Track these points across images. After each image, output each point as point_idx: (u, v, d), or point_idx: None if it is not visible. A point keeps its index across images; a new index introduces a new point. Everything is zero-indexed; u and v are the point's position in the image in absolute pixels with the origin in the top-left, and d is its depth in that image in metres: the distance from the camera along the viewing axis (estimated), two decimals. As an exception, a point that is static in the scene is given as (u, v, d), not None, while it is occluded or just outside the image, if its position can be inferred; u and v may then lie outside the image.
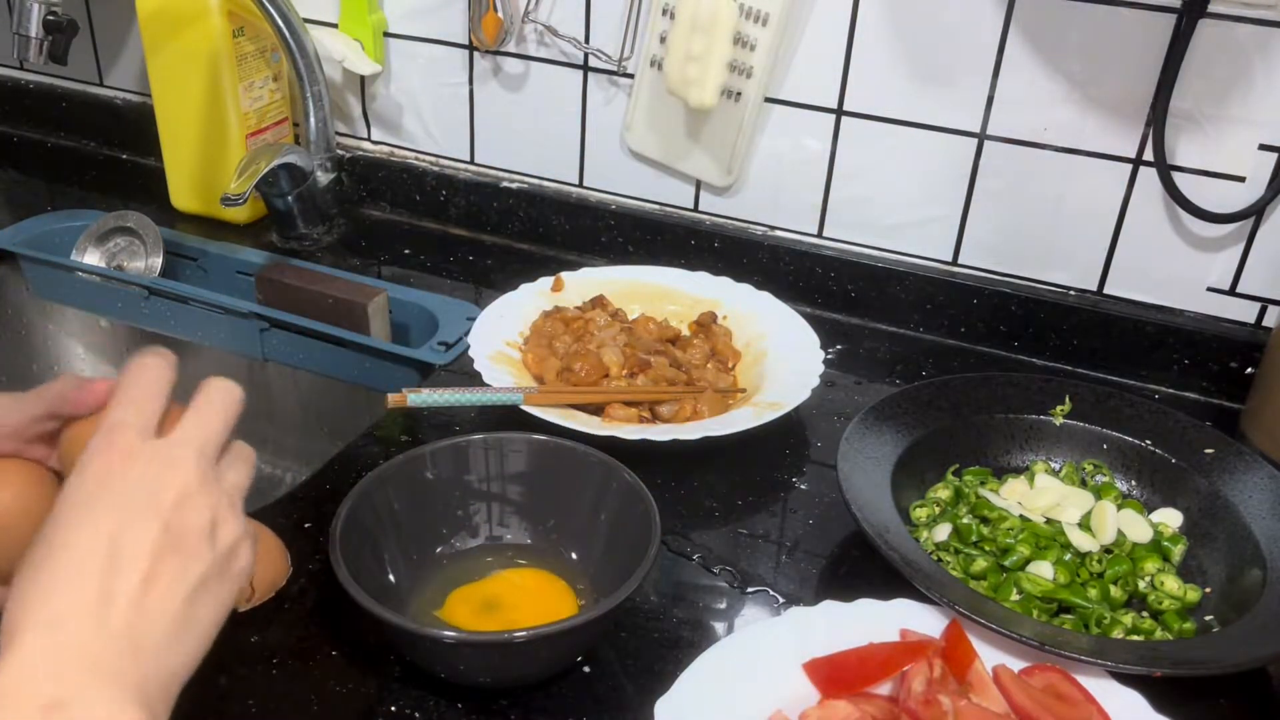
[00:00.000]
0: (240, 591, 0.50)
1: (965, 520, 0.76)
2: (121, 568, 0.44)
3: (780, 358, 0.94)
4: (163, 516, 0.46)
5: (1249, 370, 0.95)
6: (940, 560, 0.75)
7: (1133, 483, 0.83)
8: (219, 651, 0.64)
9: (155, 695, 0.43)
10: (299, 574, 0.70)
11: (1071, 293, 1.01)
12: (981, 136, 0.98)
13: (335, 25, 1.17)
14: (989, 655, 0.65)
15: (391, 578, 0.68)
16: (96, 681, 0.42)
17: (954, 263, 1.05)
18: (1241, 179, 0.91)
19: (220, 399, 0.51)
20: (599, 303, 0.99)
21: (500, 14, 1.09)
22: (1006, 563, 0.74)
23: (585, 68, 1.11)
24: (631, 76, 1.08)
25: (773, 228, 1.10)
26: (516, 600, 0.69)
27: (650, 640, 0.68)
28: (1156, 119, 0.90)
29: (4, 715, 0.40)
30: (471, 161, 1.21)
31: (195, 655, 0.47)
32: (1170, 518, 0.79)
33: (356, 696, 0.63)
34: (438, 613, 0.67)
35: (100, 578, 0.43)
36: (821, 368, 0.90)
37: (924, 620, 0.67)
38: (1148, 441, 0.83)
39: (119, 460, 0.47)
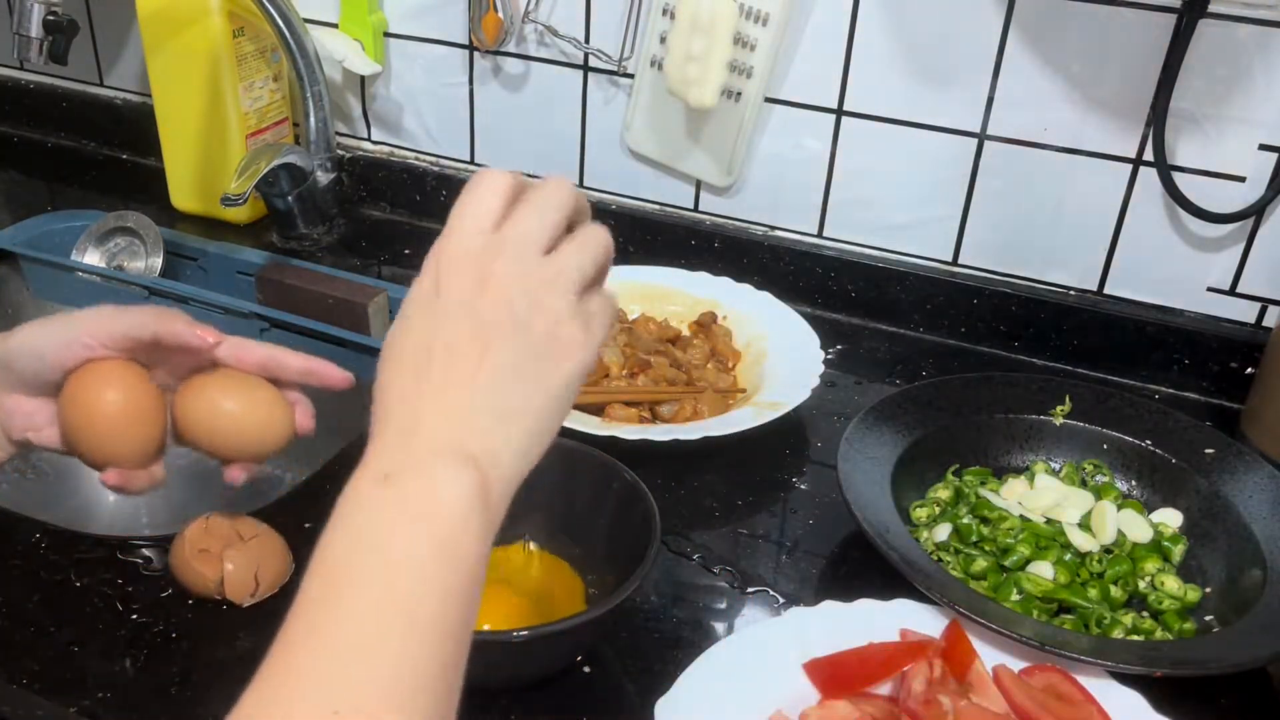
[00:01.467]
0: (583, 366, 0.50)
1: (965, 520, 0.76)
2: (441, 363, 0.47)
3: (780, 358, 0.94)
4: (476, 314, 0.48)
5: (1249, 370, 0.95)
6: (940, 560, 0.75)
7: (1133, 483, 0.83)
8: (219, 651, 0.64)
9: (486, 463, 0.46)
10: (300, 573, 0.70)
11: (1071, 293, 1.01)
12: (981, 136, 0.98)
13: (335, 25, 1.17)
14: (989, 655, 0.65)
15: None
16: (423, 457, 0.45)
17: (954, 263, 1.05)
18: (1241, 179, 0.91)
19: (551, 196, 0.52)
20: (599, 303, 0.99)
21: (500, 14, 1.09)
22: (1006, 563, 0.74)
23: (585, 68, 1.11)
24: (631, 76, 1.08)
25: (773, 228, 1.10)
26: (523, 582, 0.69)
27: (650, 640, 0.68)
28: (1156, 119, 0.90)
29: (353, 487, 0.44)
30: (471, 161, 1.21)
31: (530, 431, 0.48)
32: (1170, 518, 0.79)
33: (356, 696, 0.63)
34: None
35: (426, 374, 0.47)
36: (821, 368, 0.90)
37: (924, 620, 0.67)
38: (1148, 441, 0.83)
39: (445, 265, 0.49)
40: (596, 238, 0.52)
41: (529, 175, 1.25)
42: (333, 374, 0.66)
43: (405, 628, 0.41)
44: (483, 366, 0.47)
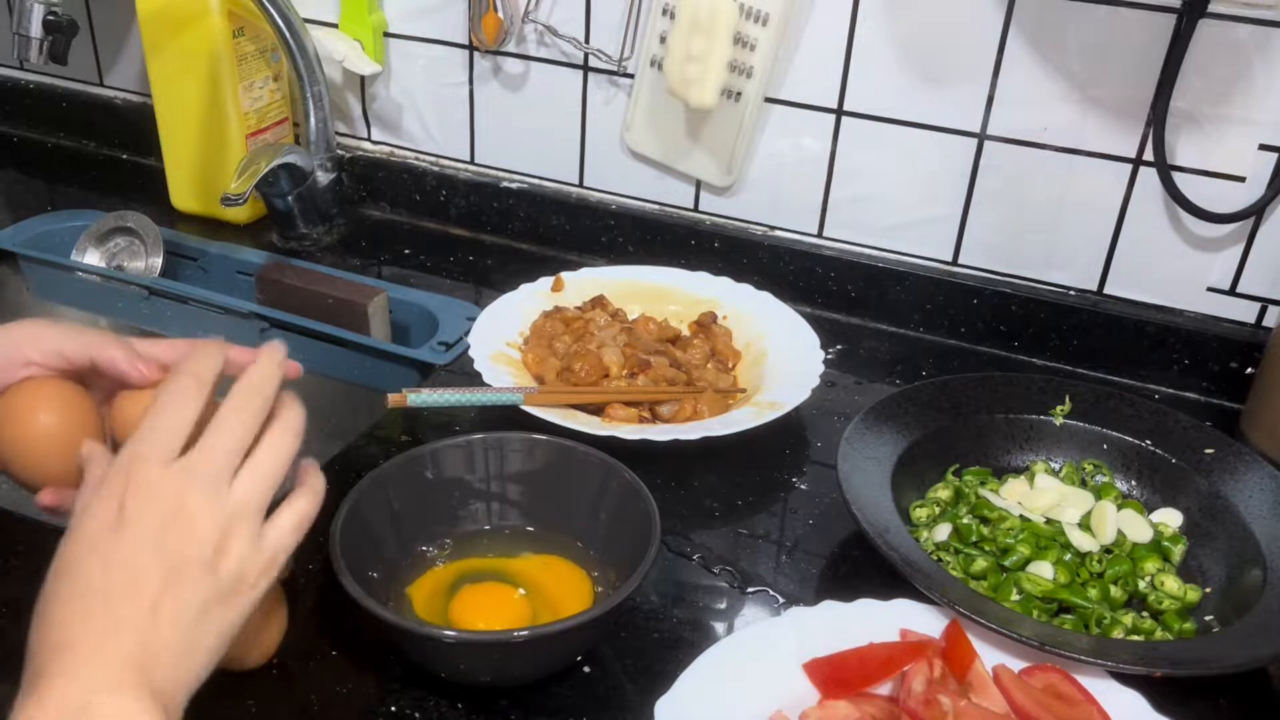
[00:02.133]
0: (254, 602, 0.52)
1: (965, 520, 0.76)
2: (127, 598, 0.48)
3: (780, 358, 0.94)
4: (165, 553, 0.49)
5: (1249, 370, 0.95)
6: (940, 560, 0.75)
7: (1133, 483, 0.83)
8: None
9: (169, 700, 0.48)
10: (299, 574, 0.70)
11: (1071, 293, 1.01)
12: (981, 136, 0.98)
13: (335, 25, 1.17)
14: (989, 655, 0.65)
15: (392, 577, 0.68)
16: (113, 689, 0.46)
17: (954, 263, 1.05)
18: (1241, 179, 0.91)
19: (241, 411, 0.53)
20: (599, 303, 0.99)
21: (500, 14, 1.09)
22: (1006, 563, 0.74)
23: (585, 68, 1.11)
24: (631, 76, 1.08)
25: (773, 228, 1.10)
26: (535, 584, 0.69)
27: (650, 640, 0.68)
28: (1156, 119, 0.90)
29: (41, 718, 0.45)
30: (471, 161, 1.21)
31: (206, 666, 0.50)
32: (1170, 518, 0.79)
33: (356, 696, 0.63)
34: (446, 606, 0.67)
35: (111, 606, 0.48)
36: (821, 368, 0.90)
37: (924, 620, 0.67)
38: (1148, 441, 0.83)
39: (132, 494, 0.50)
40: (288, 430, 0.54)
41: (528, 176, 1.25)
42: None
43: None
44: (169, 607, 0.48)
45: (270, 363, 0.56)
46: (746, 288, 1.02)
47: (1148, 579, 0.74)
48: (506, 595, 0.68)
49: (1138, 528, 0.77)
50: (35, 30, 1.01)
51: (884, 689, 0.63)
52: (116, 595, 0.48)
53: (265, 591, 0.53)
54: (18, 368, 0.60)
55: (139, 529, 0.49)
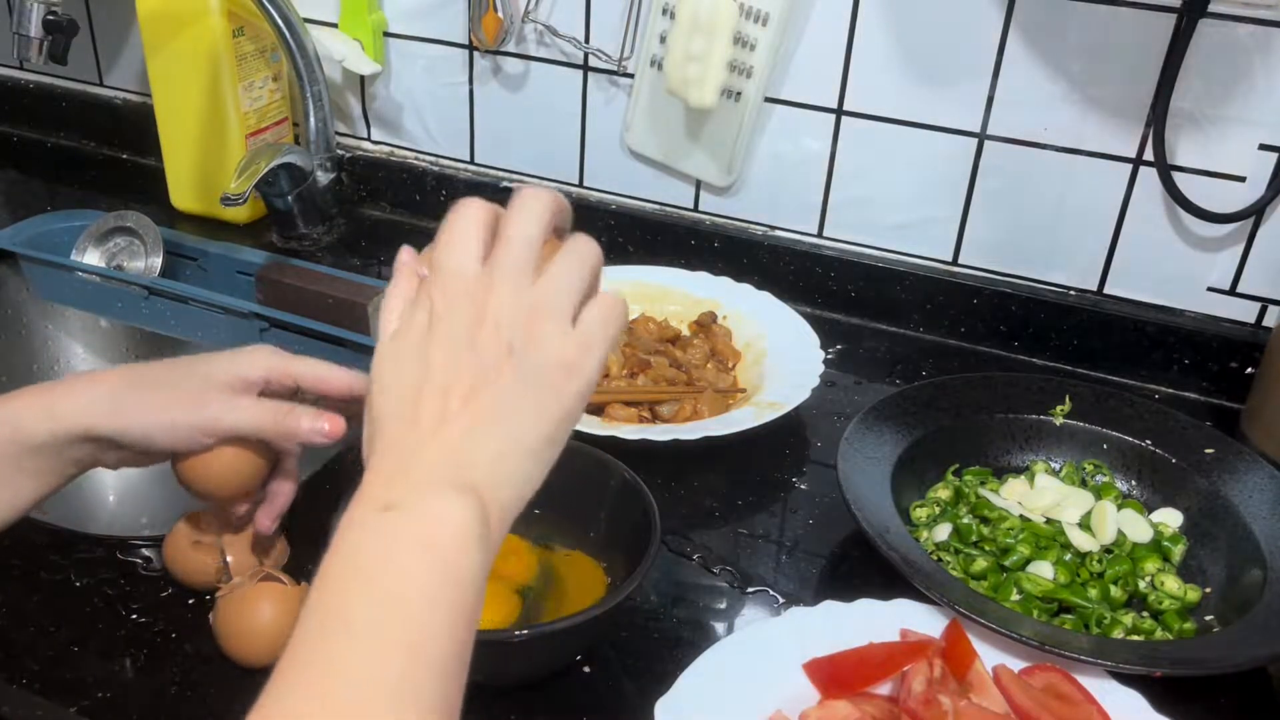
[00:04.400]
0: (581, 395, 0.50)
1: (965, 520, 0.76)
2: (441, 397, 0.48)
3: (780, 358, 0.94)
4: (475, 347, 0.48)
5: (1249, 370, 0.95)
6: (940, 560, 0.75)
7: (1133, 483, 0.82)
8: (218, 651, 0.64)
9: (487, 496, 0.46)
10: (299, 574, 0.70)
11: (1071, 293, 1.01)
12: (981, 136, 0.98)
13: (335, 25, 1.17)
14: (989, 655, 0.65)
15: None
16: (424, 487, 0.46)
17: (954, 263, 1.05)
18: (1241, 179, 0.91)
19: (531, 212, 0.52)
20: (599, 303, 0.99)
21: (500, 14, 1.09)
22: (1006, 563, 0.74)
23: (585, 68, 1.11)
24: (631, 76, 1.08)
25: (773, 228, 1.10)
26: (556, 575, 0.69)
27: (650, 640, 0.68)
28: (1156, 119, 0.90)
29: (354, 517, 0.45)
30: (471, 161, 1.21)
31: (530, 465, 0.49)
32: (1170, 518, 0.79)
33: (356, 696, 0.63)
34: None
35: (417, 408, 0.48)
36: (821, 368, 0.90)
37: (924, 620, 0.67)
38: (1148, 441, 0.83)
39: (439, 298, 0.50)
40: (584, 251, 0.52)
41: (528, 176, 1.25)
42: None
43: (409, 655, 0.42)
44: (481, 402, 0.47)
45: (538, 197, 0.54)
46: (746, 288, 1.02)
47: (1148, 579, 0.74)
48: (515, 545, 0.69)
49: (1138, 528, 0.77)
50: (35, 30, 1.01)
51: (884, 689, 0.63)
52: (431, 396, 0.48)
53: (591, 382, 0.51)
54: (194, 438, 0.62)
55: (450, 327, 0.49)
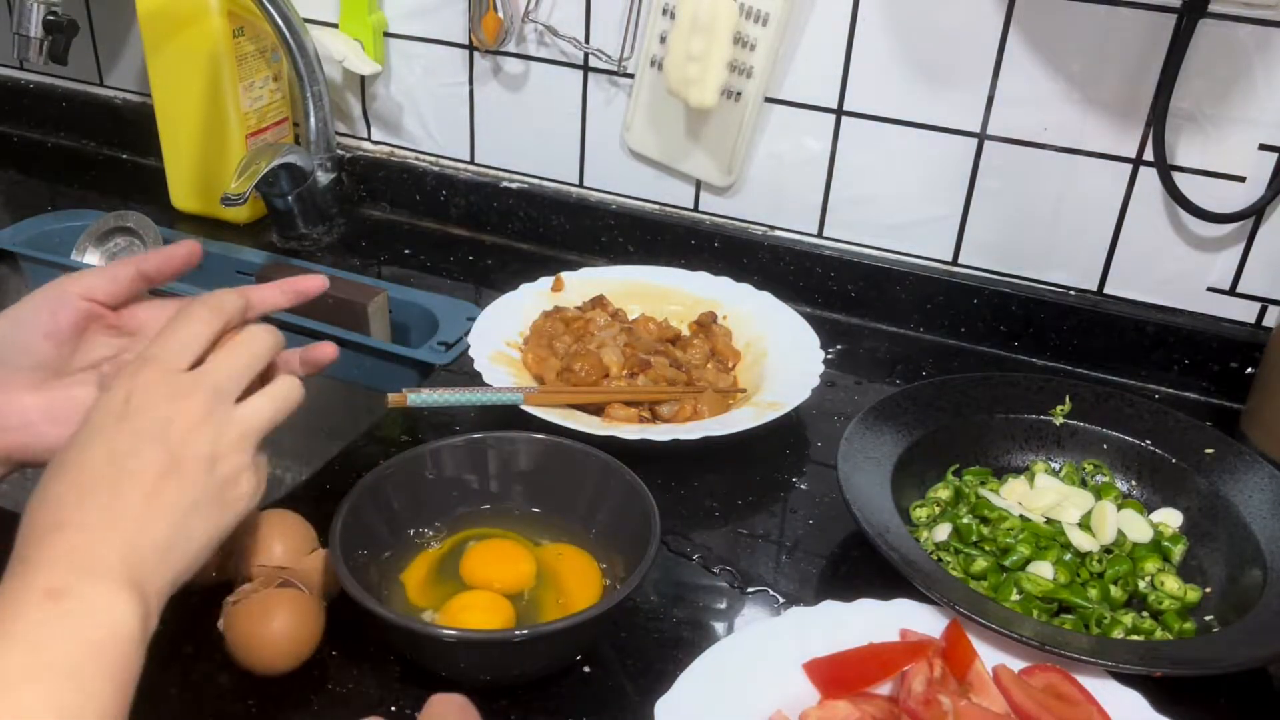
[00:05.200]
0: (240, 516, 0.54)
1: (965, 520, 0.76)
2: (125, 484, 0.49)
3: (780, 358, 0.94)
4: (168, 444, 0.51)
5: (1249, 370, 0.95)
6: (940, 560, 0.75)
7: (1133, 483, 0.83)
8: (219, 652, 0.64)
9: (150, 593, 0.48)
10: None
11: (1071, 293, 1.01)
12: (981, 136, 0.98)
13: (335, 25, 1.17)
14: (989, 655, 0.65)
15: (392, 577, 0.68)
16: (94, 576, 0.46)
17: (954, 263, 1.05)
18: (1241, 179, 0.91)
19: (254, 341, 0.57)
20: (599, 303, 0.99)
21: (500, 14, 1.09)
22: (1006, 563, 0.74)
23: (585, 68, 1.11)
24: (631, 76, 1.08)
25: (773, 228, 1.10)
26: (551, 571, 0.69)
27: (650, 640, 0.68)
28: (1156, 119, 0.90)
29: (12, 598, 0.45)
30: (471, 161, 1.21)
31: (190, 565, 0.52)
32: (1170, 518, 0.79)
33: (356, 696, 0.63)
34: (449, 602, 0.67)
35: (107, 491, 0.49)
36: (821, 368, 0.90)
37: (924, 620, 0.67)
38: (1148, 441, 0.83)
39: (140, 390, 0.52)
40: (286, 392, 0.58)
41: (528, 176, 1.25)
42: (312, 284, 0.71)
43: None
44: (165, 497, 0.50)
45: (263, 336, 0.58)
46: (746, 288, 1.02)
47: (1148, 579, 0.74)
48: (517, 552, 0.69)
49: (1138, 528, 0.77)
50: (35, 30, 1.01)
51: (884, 689, 0.63)
52: (115, 481, 0.49)
53: (254, 502, 0.55)
54: (76, 308, 0.64)
55: (143, 419, 0.51)
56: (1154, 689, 0.63)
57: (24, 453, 0.60)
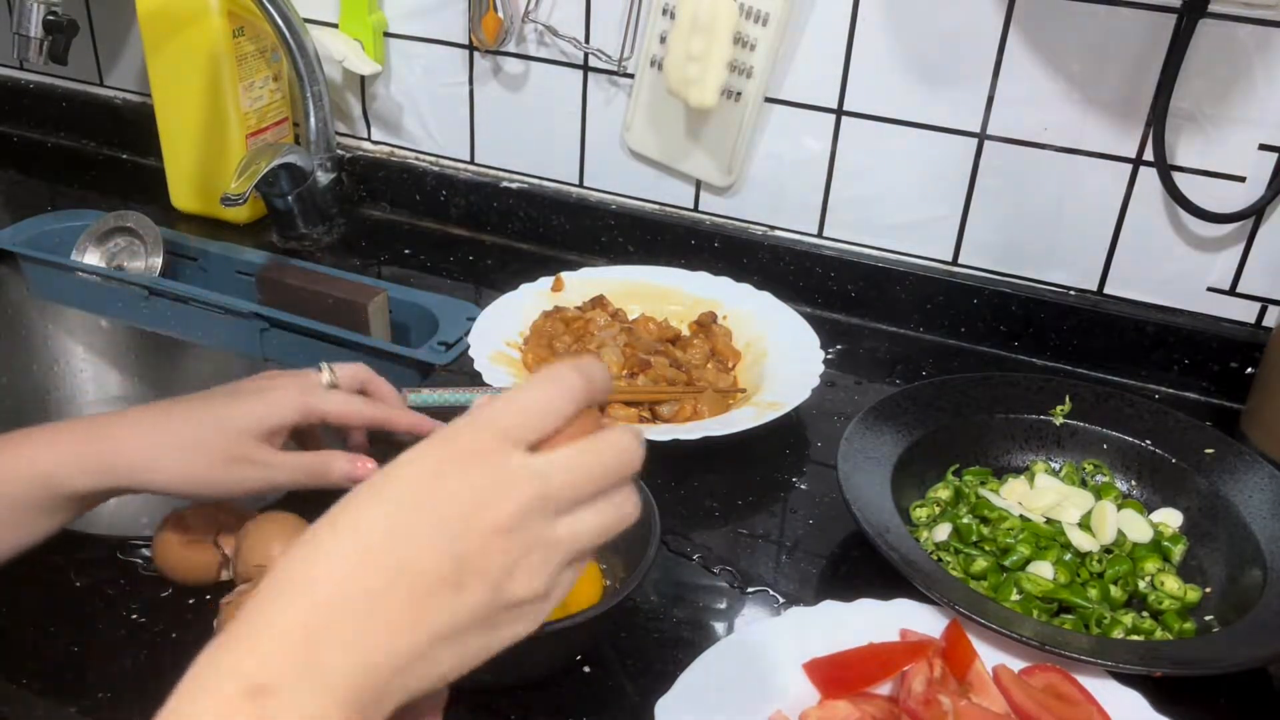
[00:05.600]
0: (501, 648, 0.43)
1: (965, 520, 0.76)
2: (381, 579, 0.39)
3: (780, 358, 0.94)
4: (459, 550, 0.40)
5: (1249, 370, 0.95)
6: (940, 560, 0.75)
7: (1133, 483, 0.83)
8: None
9: (370, 710, 0.39)
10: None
11: (1071, 293, 1.01)
12: (981, 136, 0.98)
13: (335, 25, 1.17)
14: (989, 655, 0.65)
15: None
16: (312, 680, 0.37)
17: (954, 263, 1.05)
18: (1241, 179, 0.91)
19: (614, 450, 0.43)
20: (599, 303, 0.99)
21: (500, 14, 1.09)
22: (1006, 563, 0.74)
23: (585, 68, 1.11)
24: (631, 76, 1.08)
25: (773, 228, 1.10)
26: None
27: (650, 640, 0.68)
28: (1156, 119, 0.90)
29: (208, 683, 0.37)
30: (471, 161, 1.21)
31: (426, 687, 0.41)
32: (1170, 518, 0.79)
33: (356, 696, 0.63)
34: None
35: (360, 579, 0.39)
36: (821, 368, 0.90)
37: (924, 620, 0.67)
38: (1148, 441, 0.83)
39: (454, 460, 0.41)
40: (620, 510, 0.44)
41: (528, 176, 1.24)
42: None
43: None
44: (428, 613, 0.39)
45: (627, 444, 0.44)
46: (746, 288, 1.02)
47: (1148, 579, 0.74)
48: None
49: (1138, 528, 0.77)
50: (35, 30, 1.01)
51: (884, 689, 0.63)
52: (382, 568, 0.39)
53: (526, 633, 0.43)
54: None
55: (444, 501, 0.40)
56: (1154, 689, 0.63)
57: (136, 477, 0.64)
